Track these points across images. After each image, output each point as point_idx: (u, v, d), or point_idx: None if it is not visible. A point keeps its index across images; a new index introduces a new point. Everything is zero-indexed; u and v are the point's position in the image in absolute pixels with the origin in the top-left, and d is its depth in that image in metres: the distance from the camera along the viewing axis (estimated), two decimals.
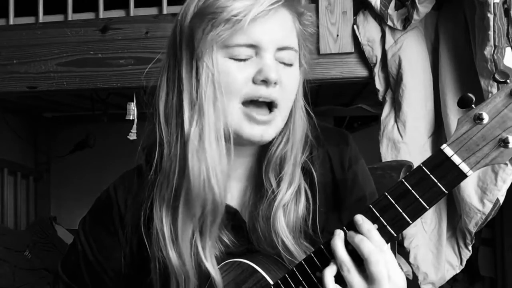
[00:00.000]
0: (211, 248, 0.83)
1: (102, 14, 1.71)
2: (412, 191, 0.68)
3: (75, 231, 1.00)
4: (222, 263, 0.84)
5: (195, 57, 0.79)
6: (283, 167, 0.86)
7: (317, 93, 2.15)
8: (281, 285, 0.79)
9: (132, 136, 1.63)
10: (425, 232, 1.48)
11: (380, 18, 1.47)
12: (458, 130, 0.67)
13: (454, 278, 1.83)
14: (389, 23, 1.44)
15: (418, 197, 0.68)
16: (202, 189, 0.79)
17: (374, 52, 1.50)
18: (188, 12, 0.82)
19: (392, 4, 1.44)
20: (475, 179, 1.37)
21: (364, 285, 0.69)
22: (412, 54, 1.46)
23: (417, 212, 0.69)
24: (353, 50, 1.52)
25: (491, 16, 1.22)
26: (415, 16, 1.39)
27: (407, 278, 0.75)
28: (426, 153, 1.46)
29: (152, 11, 1.70)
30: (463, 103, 0.67)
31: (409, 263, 1.48)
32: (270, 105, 0.82)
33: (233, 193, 0.90)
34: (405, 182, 0.69)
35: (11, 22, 1.77)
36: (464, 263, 1.51)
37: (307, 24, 0.87)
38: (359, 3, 1.51)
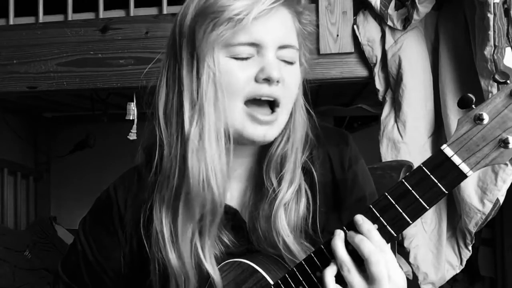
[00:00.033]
0: (210, 248, 0.83)
1: (102, 14, 1.71)
2: (412, 191, 0.68)
3: (75, 231, 1.00)
4: (222, 263, 0.84)
5: (195, 57, 0.80)
6: (284, 166, 0.86)
7: (317, 93, 2.15)
8: (281, 285, 0.79)
9: (132, 136, 1.63)
10: (425, 232, 1.48)
11: (380, 18, 1.47)
12: (458, 131, 0.67)
13: (454, 278, 1.84)
14: (389, 23, 1.44)
15: (418, 197, 0.68)
16: (202, 189, 0.79)
17: (374, 52, 1.50)
18: (188, 12, 0.82)
19: (392, 4, 1.44)
20: (475, 179, 1.37)
21: (365, 285, 0.69)
22: (412, 54, 1.46)
23: (417, 212, 0.69)
24: (353, 50, 1.52)
25: (491, 16, 1.22)
26: (415, 16, 1.39)
27: (407, 278, 0.75)
28: (426, 153, 1.46)
29: (152, 11, 1.70)
30: (463, 104, 0.67)
31: (409, 263, 1.48)
32: (272, 104, 0.82)
33: (233, 193, 0.90)
34: (405, 182, 0.69)
35: (11, 22, 1.77)
36: (464, 263, 1.51)
37: (306, 23, 0.87)
38: (359, 3, 1.51)
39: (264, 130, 0.81)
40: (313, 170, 0.89)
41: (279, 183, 0.85)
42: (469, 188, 1.37)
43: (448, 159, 0.67)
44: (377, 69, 1.51)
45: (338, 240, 0.72)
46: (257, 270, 0.82)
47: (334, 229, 0.74)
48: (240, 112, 0.80)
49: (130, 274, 0.93)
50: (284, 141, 0.86)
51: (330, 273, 0.71)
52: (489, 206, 1.35)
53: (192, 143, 0.79)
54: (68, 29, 1.68)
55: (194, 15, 0.81)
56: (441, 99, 1.46)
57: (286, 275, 0.78)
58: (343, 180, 0.90)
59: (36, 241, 2.57)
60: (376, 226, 0.70)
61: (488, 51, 1.24)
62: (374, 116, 2.42)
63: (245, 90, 0.79)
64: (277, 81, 0.79)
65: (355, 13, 1.52)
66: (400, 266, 0.72)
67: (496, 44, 1.23)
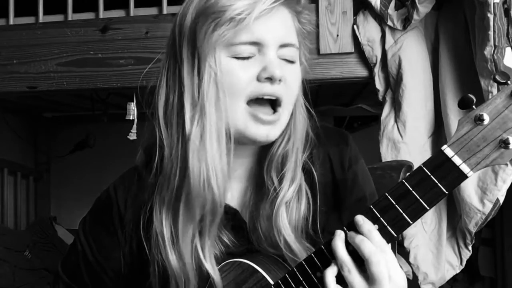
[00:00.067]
0: (210, 248, 0.83)
1: (102, 14, 1.71)
2: (413, 191, 0.69)
3: (75, 231, 1.00)
4: (223, 263, 0.84)
5: (197, 57, 0.79)
6: (285, 165, 0.86)
7: (317, 93, 2.15)
8: (282, 285, 0.79)
9: (132, 136, 1.64)
10: (425, 232, 1.48)
11: (380, 18, 1.47)
12: (458, 131, 0.67)
13: (454, 278, 1.83)
14: (389, 23, 1.44)
15: (418, 197, 0.68)
16: (202, 189, 0.79)
17: (374, 52, 1.50)
18: (187, 12, 0.82)
19: (392, 4, 1.43)
20: (475, 179, 1.37)
21: (365, 286, 0.69)
22: (412, 54, 1.46)
23: (417, 213, 0.69)
24: (353, 50, 1.52)
25: (491, 16, 1.22)
26: (415, 16, 1.39)
27: (407, 278, 0.75)
28: (426, 153, 1.46)
29: (152, 11, 1.70)
30: (464, 104, 0.67)
31: (409, 263, 1.48)
32: (274, 104, 0.82)
33: (233, 194, 0.91)
34: (406, 183, 0.69)
35: (11, 22, 1.77)
36: (464, 263, 1.51)
37: (305, 22, 0.88)
38: (359, 3, 1.51)
39: (267, 129, 0.81)
40: (313, 170, 0.89)
41: (280, 182, 0.85)
42: (469, 188, 1.37)
43: (448, 159, 0.67)
44: (377, 69, 1.51)
45: (339, 240, 0.72)
46: (257, 270, 0.82)
47: (334, 229, 0.74)
48: (242, 112, 0.80)
49: (130, 274, 0.93)
50: (285, 141, 0.86)
51: (331, 273, 0.71)
52: (489, 206, 1.35)
53: (193, 143, 0.79)
54: (68, 29, 1.68)
55: (194, 15, 0.81)
56: (441, 99, 1.46)
57: (287, 275, 0.78)
58: (343, 180, 0.90)
59: (36, 241, 2.57)
60: (376, 226, 0.70)
61: (488, 51, 1.24)
62: (374, 116, 2.42)
63: (248, 90, 0.79)
64: (279, 80, 0.79)
65: (355, 13, 1.52)
66: (400, 266, 0.72)
67: (496, 44, 1.23)
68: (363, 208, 0.72)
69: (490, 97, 1.25)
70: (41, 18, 1.76)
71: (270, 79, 0.79)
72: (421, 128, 1.47)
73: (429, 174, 0.68)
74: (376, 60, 1.50)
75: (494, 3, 1.21)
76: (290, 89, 0.83)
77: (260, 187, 0.89)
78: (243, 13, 0.76)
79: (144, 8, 1.70)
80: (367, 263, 0.68)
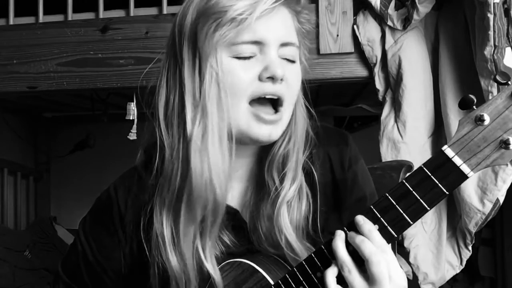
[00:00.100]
0: (211, 248, 0.83)
1: (102, 14, 1.71)
2: (413, 192, 0.69)
3: (75, 231, 1.00)
4: (223, 263, 0.85)
5: (198, 57, 0.79)
6: (286, 165, 0.86)
7: (317, 93, 2.15)
8: (282, 285, 0.79)
9: (132, 136, 1.63)
10: (425, 232, 1.48)
11: (380, 18, 1.47)
12: (459, 131, 0.68)
13: (454, 278, 1.84)
14: (389, 23, 1.44)
15: (419, 198, 0.68)
16: (204, 189, 0.79)
17: (374, 52, 1.50)
18: (187, 13, 0.82)
19: (392, 4, 1.43)
20: (475, 179, 1.37)
21: (365, 286, 0.69)
22: (412, 54, 1.45)
23: (418, 213, 0.69)
24: (353, 50, 1.52)
25: (491, 16, 1.22)
26: (415, 16, 1.39)
27: (407, 278, 0.75)
28: (426, 153, 1.46)
29: (152, 11, 1.70)
30: (464, 104, 0.68)
31: (409, 263, 1.48)
32: (275, 103, 0.82)
33: (233, 194, 0.90)
34: (406, 183, 0.69)
35: (11, 22, 1.77)
36: (464, 263, 1.51)
37: (304, 22, 0.88)
38: (359, 3, 1.51)
39: (269, 129, 0.81)
40: (313, 170, 0.89)
41: (281, 181, 0.86)
42: (469, 188, 1.37)
43: (449, 160, 0.67)
44: (377, 69, 1.51)
45: (339, 240, 0.72)
46: (258, 270, 0.82)
47: (334, 229, 0.74)
48: (244, 112, 0.80)
49: (130, 275, 0.93)
50: (286, 141, 0.87)
51: (331, 273, 0.71)
52: (489, 206, 1.35)
53: (194, 143, 0.79)
54: (68, 29, 1.68)
55: (195, 16, 0.80)
56: (441, 99, 1.46)
57: (287, 275, 0.78)
58: (343, 180, 0.90)
59: (36, 241, 2.56)
60: (376, 226, 0.70)
61: (488, 51, 1.24)
62: (374, 116, 2.42)
63: (250, 89, 0.80)
64: (281, 79, 0.80)
65: (355, 13, 1.52)
66: (400, 266, 0.72)
67: (496, 44, 1.23)
68: (363, 208, 0.72)
69: (490, 97, 1.25)
70: (41, 18, 1.76)
71: (272, 79, 0.79)
72: (421, 128, 1.47)
73: (430, 174, 0.68)
74: (376, 60, 1.50)
75: (494, 3, 1.21)
76: (291, 88, 0.83)
77: (261, 187, 0.89)
78: (245, 13, 0.76)
79: (144, 8, 1.70)
80: (367, 263, 0.68)
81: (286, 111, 0.83)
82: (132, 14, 1.69)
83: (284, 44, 0.82)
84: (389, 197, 0.70)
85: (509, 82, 0.66)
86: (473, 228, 1.40)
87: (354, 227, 0.71)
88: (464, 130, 0.67)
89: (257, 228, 0.87)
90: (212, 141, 0.78)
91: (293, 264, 0.81)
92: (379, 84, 1.52)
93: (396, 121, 1.47)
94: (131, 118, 1.65)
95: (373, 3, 1.45)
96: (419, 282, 1.49)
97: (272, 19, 0.80)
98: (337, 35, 1.52)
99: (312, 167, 0.89)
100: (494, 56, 1.23)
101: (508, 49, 1.23)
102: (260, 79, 0.79)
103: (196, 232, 0.83)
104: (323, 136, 0.92)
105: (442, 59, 1.46)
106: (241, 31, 0.77)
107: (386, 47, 1.47)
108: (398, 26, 1.44)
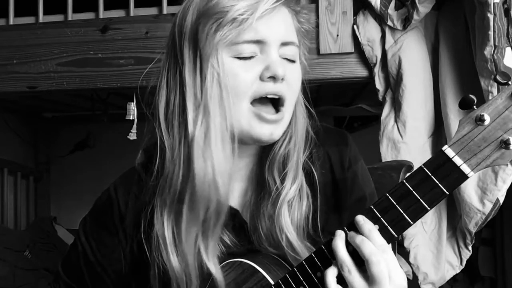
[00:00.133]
0: (213, 248, 0.83)
1: (102, 14, 1.71)
2: (413, 192, 0.69)
3: (75, 231, 1.00)
4: (223, 263, 0.84)
5: (199, 58, 0.79)
6: (287, 165, 0.86)
7: (317, 93, 2.15)
8: (282, 285, 0.79)
9: (132, 136, 1.63)
10: (425, 232, 1.48)
11: (380, 18, 1.47)
12: (459, 132, 0.68)
13: (454, 278, 1.84)
14: (389, 23, 1.44)
15: (419, 198, 0.68)
16: (207, 190, 0.79)
17: (374, 52, 1.50)
18: (188, 13, 0.82)
19: (392, 4, 1.44)
20: (475, 179, 1.37)
21: (365, 286, 0.69)
22: (412, 54, 1.46)
23: (418, 213, 0.69)
24: (353, 50, 1.52)
25: (491, 16, 1.22)
26: (415, 16, 1.39)
27: (407, 278, 0.75)
28: (426, 153, 1.46)
29: (152, 11, 1.70)
30: (465, 104, 0.68)
31: (409, 263, 1.48)
32: (276, 103, 0.82)
33: (234, 194, 0.90)
34: (406, 183, 0.69)
35: (11, 22, 1.77)
36: (464, 263, 1.51)
37: (303, 22, 0.89)
38: (359, 3, 1.51)
39: (271, 129, 0.82)
40: (313, 170, 0.89)
41: (282, 181, 0.86)
42: (469, 188, 1.37)
43: (449, 160, 0.67)
44: (377, 69, 1.51)
45: (339, 240, 0.72)
46: (258, 270, 0.82)
47: (334, 229, 0.74)
48: (246, 112, 0.80)
49: (130, 275, 0.93)
50: (286, 141, 0.87)
51: (331, 273, 0.71)
52: (489, 206, 1.35)
53: (197, 144, 0.78)
54: (68, 29, 1.68)
55: (195, 16, 0.80)
56: (441, 99, 1.46)
57: (287, 275, 0.78)
58: (343, 180, 0.90)
59: (36, 241, 2.56)
60: (377, 226, 0.70)
61: (488, 51, 1.24)
62: (374, 116, 2.42)
63: (251, 89, 0.80)
64: (282, 79, 0.80)
65: (355, 13, 1.52)
66: (400, 266, 0.72)
67: (496, 44, 1.23)
68: (363, 208, 0.72)
69: (490, 97, 1.25)
70: (41, 18, 1.76)
71: (273, 78, 0.79)
72: (421, 128, 1.47)
73: (430, 174, 0.68)
74: (376, 60, 1.50)
75: (494, 3, 1.21)
76: (292, 88, 0.83)
77: (261, 187, 0.89)
78: (246, 13, 0.76)
79: (144, 8, 1.70)
80: (367, 263, 0.68)
81: (287, 110, 0.83)
82: (132, 14, 1.68)
83: (284, 44, 0.82)
84: (390, 197, 0.70)
85: (509, 82, 0.66)
86: (473, 228, 1.40)
87: (354, 227, 0.71)
88: (465, 130, 0.67)
89: (257, 228, 0.87)
90: (215, 141, 0.78)
91: (294, 264, 0.81)
92: (379, 84, 1.52)
93: (396, 121, 1.47)
94: (131, 118, 1.65)
95: (373, 3, 1.45)
96: (419, 282, 1.49)
97: (273, 19, 0.80)
98: (337, 35, 1.52)
99: (312, 167, 0.89)
100: (494, 56, 1.23)
101: (508, 49, 1.23)
102: (261, 79, 0.80)
103: (198, 233, 0.83)
104: (323, 136, 0.92)
105: (442, 59, 1.46)
106: (242, 31, 0.77)
107: (386, 47, 1.47)
108: (398, 26, 1.44)
